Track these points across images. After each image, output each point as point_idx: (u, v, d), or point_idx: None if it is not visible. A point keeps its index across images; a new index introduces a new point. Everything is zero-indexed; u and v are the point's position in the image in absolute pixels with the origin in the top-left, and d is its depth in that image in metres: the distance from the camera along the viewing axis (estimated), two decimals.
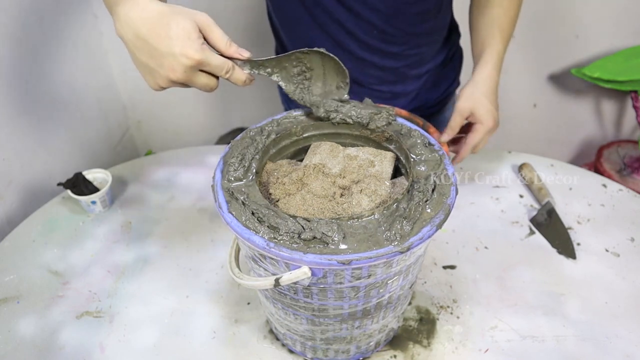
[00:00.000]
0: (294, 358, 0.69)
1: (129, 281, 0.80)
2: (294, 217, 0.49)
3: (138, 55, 0.53)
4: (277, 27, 0.92)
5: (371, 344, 0.66)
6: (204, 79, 0.53)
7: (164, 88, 0.55)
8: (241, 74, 0.56)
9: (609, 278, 0.78)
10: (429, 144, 0.59)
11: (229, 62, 0.54)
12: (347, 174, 0.58)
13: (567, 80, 1.60)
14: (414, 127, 0.62)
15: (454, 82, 1.01)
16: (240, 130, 1.67)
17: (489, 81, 0.80)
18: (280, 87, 1.07)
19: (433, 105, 1.00)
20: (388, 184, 0.56)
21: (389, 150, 0.63)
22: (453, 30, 0.97)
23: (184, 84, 0.53)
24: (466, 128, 0.83)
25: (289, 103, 1.06)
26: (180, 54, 0.50)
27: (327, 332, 0.60)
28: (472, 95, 0.79)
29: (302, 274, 0.48)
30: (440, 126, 1.05)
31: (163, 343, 0.71)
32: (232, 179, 0.54)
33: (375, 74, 0.90)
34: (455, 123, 0.80)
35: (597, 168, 1.59)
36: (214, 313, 0.75)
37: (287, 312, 0.59)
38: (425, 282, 0.78)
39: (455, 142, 0.86)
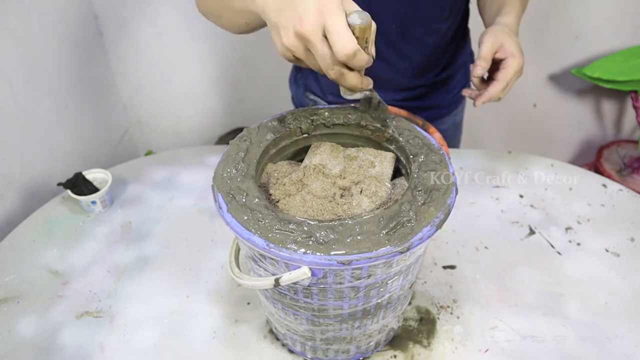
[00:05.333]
0: (294, 358, 0.69)
1: (129, 281, 0.80)
2: (294, 217, 0.49)
3: (275, 11, 0.50)
4: None
5: (371, 344, 0.66)
6: (325, 48, 0.47)
7: (290, 51, 0.50)
8: (365, 56, 0.49)
9: (609, 278, 0.78)
10: (429, 143, 0.59)
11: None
12: (347, 174, 0.58)
13: (567, 80, 1.60)
14: (413, 127, 0.62)
15: (466, 85, 1.02)
16: (240, 130, 1.67)
17: (512, 28, 0.76)
18: (294, 81, 1.07)
19: (445, 107, 1.01)
20: (389, 185, 0.56)
21: (389, 150, 0.63)
22: (466, 34, 0.99)
23: (306, 48, 0.49)
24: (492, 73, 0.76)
25: (297, 89, 1.07)
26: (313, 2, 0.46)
27: (327, 332, 0.60)
28: (501, 30, 0.74)
29: (302, 274, 0.48)
30: (451, 130, 1.06)
31: (163, 343, 0.71)
32: (232, 179, 0.54)
33: (390, 70, 0.91)
34: (487, 52, 0.72)
35: (597, 168, 1.59)
36: (214, 313, 0.75)
37: (287, 312, 0.59)
38: (425, 282, 0.78)
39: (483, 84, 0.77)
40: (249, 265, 0.58)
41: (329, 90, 0.98)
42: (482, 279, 0.78)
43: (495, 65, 0.74)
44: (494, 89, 0.72)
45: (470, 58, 1.02)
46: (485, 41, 0.72)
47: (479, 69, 0.72)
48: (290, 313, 0.58)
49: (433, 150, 0.58)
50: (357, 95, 0.56)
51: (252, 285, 0.53)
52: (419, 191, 0.52)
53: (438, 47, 0.90)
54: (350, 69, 0.50)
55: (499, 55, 0.73)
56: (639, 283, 0.77)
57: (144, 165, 1.04)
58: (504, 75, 0.72)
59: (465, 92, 0.78)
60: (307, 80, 1.01)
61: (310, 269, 0.47)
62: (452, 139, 1.09)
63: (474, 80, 0.74)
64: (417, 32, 0.86)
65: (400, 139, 0.60)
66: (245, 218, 0.49)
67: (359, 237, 0.47)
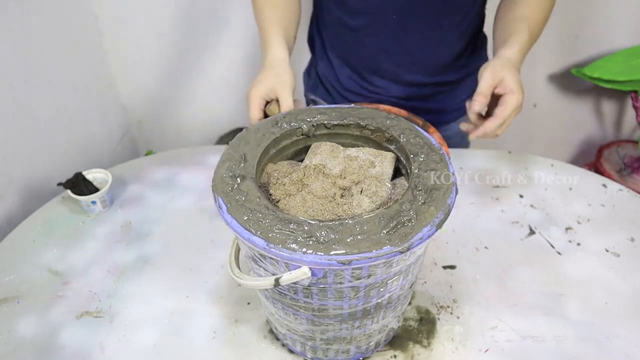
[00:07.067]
0: (294, 358, 0.69)
1: (129, 281, 0.80)
2: (295, 217, 0.49)
3: None
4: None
5: (371, 344, 0.66)
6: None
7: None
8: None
9: (609, 278, 0.78)
10: (429, 143, 0.59)
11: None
12: (347, 174, 0.58)
13: (567, 80, 1.60)
14: (414, 126, 0.62)
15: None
16: (240, 130, 1.67)
17: (515, 62, 0.74)
18: (307, 75, 1.09)
19: (450, 112, 1.00)
20: (389, 185, 0.56)
21: (390, 150, 0.62)
22: (481, 41, 0.97)
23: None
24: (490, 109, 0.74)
25: (314, 92, 1.08)
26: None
27: (327, 332, 0.60)
28: (503, 65, 0.71)
29: (302, 274, 0.48)
30: (457, 137, 1.05)
31: (163, 343, 0.71)
32: (232, 179, 0.54)
33: (391, 61, 0.91)
34: (485, 87, 0.69)
35: (597, 168, 1.59)
36: (214, 313, 0.75)
37: (287, 312, 0.59)
38: (425, 282, 0.78)
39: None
40: (249, 265, 0.58)
41: (343, 84, 0.98)
42: (482, 279, 0.78)
43: (495, 100, 0.72)
44: (490, 124, 0.69)
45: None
46: (485, 76, 0.70)
47: (477, 104, 0.70)
48: (290, 313, 0.58)
49: (433, 150, 0.58)
50: None
51: (252, 285, 0.53)
52: (419, 191, 0.52)
53: (443, 44, 0.89)
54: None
55: (498, 91, 0.70)
56: (639, 283, 0.77)
57: (144, 165, 1.04)
58: (502, 111, 0.69)
59: (463, 126, 0.75)
60: (318, 69, 1.03)
61: (310, 268, 0.47)
62: (458, 148, 1.09)
63: (471, 115, 0.72)
64: (419, 25, 0.85)
65: (401, 138, 0.60)
66: (246, 218, 0.49)
67: (359, 237, 0.47)
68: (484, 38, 0.98)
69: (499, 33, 0.82)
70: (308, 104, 1.05)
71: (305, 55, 1.08)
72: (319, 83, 1.03)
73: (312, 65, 1.06)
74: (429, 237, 0.49)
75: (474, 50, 0.96)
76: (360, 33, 0.89)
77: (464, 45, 0.92)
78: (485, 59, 1.00)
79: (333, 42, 0.95)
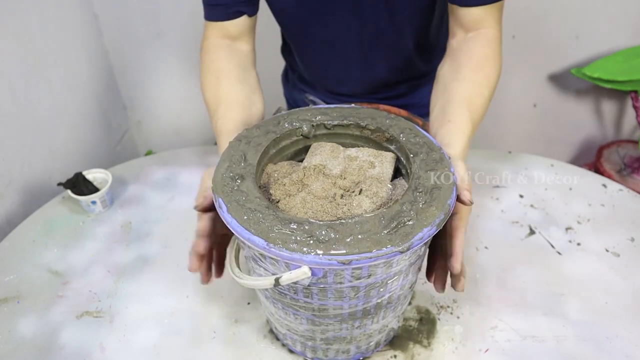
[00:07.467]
0: (294, 358, 0.69)
1: (129, 281, 0.80)
2: (295, 217, 0.49)
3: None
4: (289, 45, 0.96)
5: (371, 344, 0.66)
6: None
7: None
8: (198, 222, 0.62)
9: (609, 278, 0.78)
10: (430, 143, 0.59)
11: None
12: (347, 175, 0.58)
13: (567, 80, 1.60)
14: (414, 126, 0.62)
15: None
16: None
17: (458, 158, 0.61)
18: (285, 78, 1.08)
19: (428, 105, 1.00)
20: (389, 185, 0.56)
21: (390, 150, 0.62)
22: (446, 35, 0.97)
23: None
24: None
25: (294, 98, 1.07)
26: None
27: (327, 332, 0.60)
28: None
29: (302, 273, 0.48)
30: None
31: (163, 343, 0.71)
32: (232, 179, 0.54)
33: (362, 86, 0.92)
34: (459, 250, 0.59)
35: (597, 168, 1.59)
36: (214, 313, 0.75)
37: (287, 312, 0.59)
38: (425, 282, 0.78)
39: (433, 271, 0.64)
40: (249, 265, 0.58)
41: (317, 85, 0.98)
42: (482, 279, 0.78)
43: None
44: (455, 263, 0.59)
45: None
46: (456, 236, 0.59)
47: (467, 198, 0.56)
48: (290, 313, 0.58)
49: (433, 150, 0.58)
50: None
51: (252, 285, 0.53)
52: (419, 192, 0.52)
53: (409, 60, 0.88)
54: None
55: None
56: (639, 283, 0.77)
57: (144, 165, 1.04)
58: (457, 245, 0.59)
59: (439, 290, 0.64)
60: (295, 76, 1.03)
61: (310, 268, 0.47)
62: None
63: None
64: (382, 54, 0.86)
65: (400, 138, 0.60)
66: (245, 218, 0.49)
67: (359, 237, 0.47)
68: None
69: (434, 113, 0.69)
70: (301, 99, 1.05)
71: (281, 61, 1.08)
72: (302, 78, 1.03)
73: (288, 70, 1.07)
74: (429, 237, 0.49)
75: (444, 45, 0.94)
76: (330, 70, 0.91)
77: (435, 47, 0.91)
78: None
79: (309, 76, 0.97)
